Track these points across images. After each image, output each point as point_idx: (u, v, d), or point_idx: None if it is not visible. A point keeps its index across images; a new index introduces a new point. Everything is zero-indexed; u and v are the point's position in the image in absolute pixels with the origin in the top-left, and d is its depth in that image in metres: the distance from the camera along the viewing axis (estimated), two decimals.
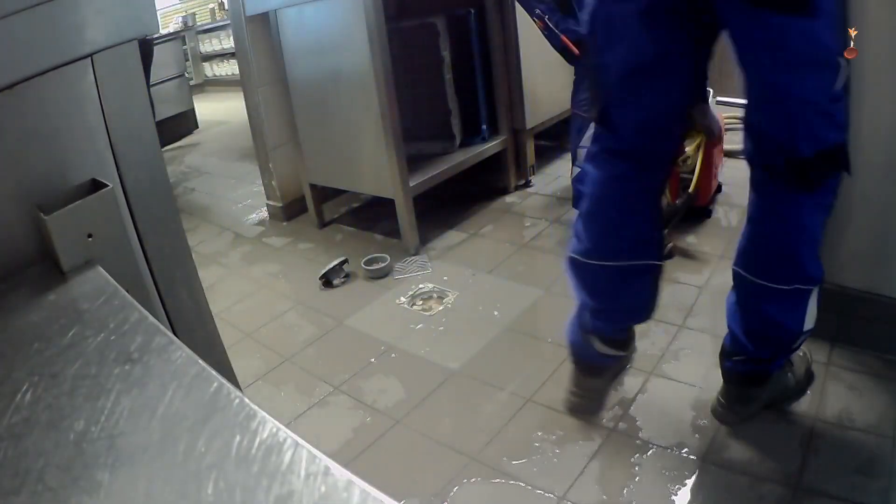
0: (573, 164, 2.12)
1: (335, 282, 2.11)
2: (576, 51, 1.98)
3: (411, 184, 2.18)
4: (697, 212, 2.16)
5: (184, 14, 6.59)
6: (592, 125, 1.91)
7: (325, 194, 2.62)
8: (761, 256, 1.23)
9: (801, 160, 1.08)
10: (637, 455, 1.31)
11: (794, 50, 1.00)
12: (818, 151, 1.08)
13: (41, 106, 0.67)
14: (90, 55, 0.67)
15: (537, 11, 2.00)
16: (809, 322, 1.23)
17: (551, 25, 2.00)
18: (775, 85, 1.05)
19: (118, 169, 0.74)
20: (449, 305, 1.91)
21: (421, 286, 2.01)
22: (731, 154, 2.54)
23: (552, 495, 1.24)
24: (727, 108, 2.84)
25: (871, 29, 1.23)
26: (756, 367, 1.30)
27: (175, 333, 0.76)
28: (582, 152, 2.04)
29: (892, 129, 1.29)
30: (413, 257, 2.19)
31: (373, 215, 2.56)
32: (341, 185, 2.50)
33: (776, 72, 1.03)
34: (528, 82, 2.50)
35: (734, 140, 2.65)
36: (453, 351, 1.70)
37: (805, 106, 1.05)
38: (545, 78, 2.58)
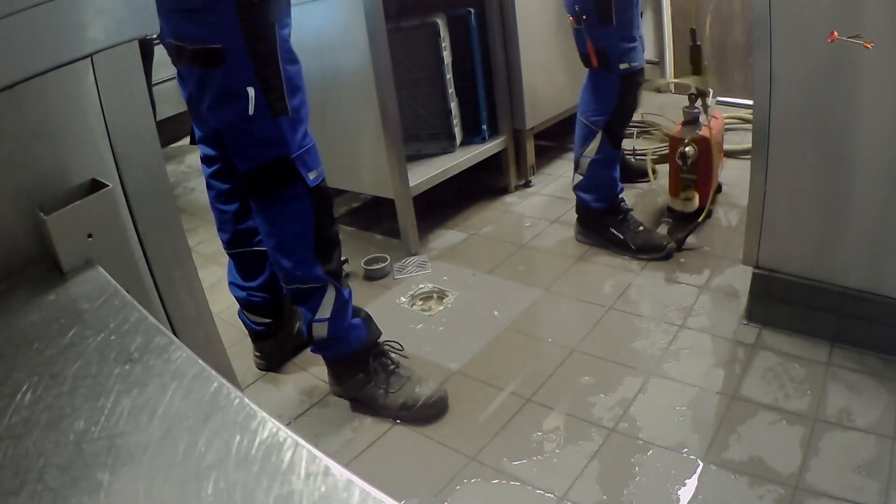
0: (575, 171, 2.08)
1: None
2: (595, 62, 1.89)
3: (411, 184, 2.18)
4: (697, 212, 2.16)
5: None
6: (599, 135, 1.93)
7: None
8: None
9: None
10: (637, 455, 1.31)
11: None
12: None
13: (41, 106, 0.67)
14: (90, 55, 0.67)
15: (577, 8, 1.85)
16: None
17: (583, 27, 1.86)
18: None
19: (118, 169, 0.74)
20: (449, 305, 1.91)
21: (421, 286, 2.01)
22: (731, 154, 2.54)
23: (552, 495, 1.24)
24: (727, 108, 2.84)
25: (872, 29, 1.23)
26: None
27: (175, 333, 0.76)
28: (586, 161, 2.01)
29: (892, 129, 1.29)
30: (413, 257, 2.19)
31: (373, 215, 2.56)
32: (341, 185, 2.50)
33: None
34: (528, 82, 2.50)
35: (734, 140, 2.65)
36: (453, 351, 1.70)
37: None
38: (545, 78, 2.58)
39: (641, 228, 2.04)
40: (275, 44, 1.22)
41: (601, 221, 2.07)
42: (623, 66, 1.86)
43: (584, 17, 1.84)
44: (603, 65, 1.88)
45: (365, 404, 1.52)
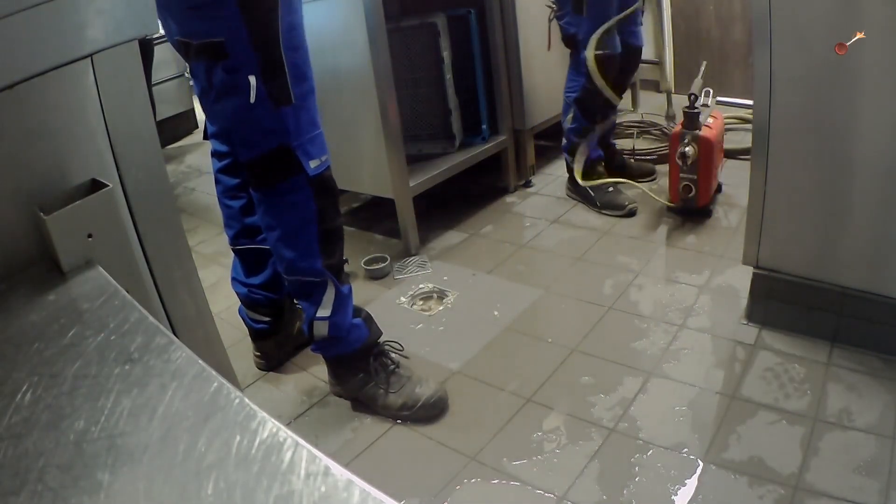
0: (563, 137, 2.40)
1: None
2: (548, 45, 2.39)
3: (411, 184, 2.18)
4: (697, 212, 2.16)
5: None
6: (573, 108, 2.29)
7: None
8: None
9: None
10: (637, 455, 1.31)
11: None
12: None
13: (41, 106, 0.67)
14: (90, 55, 0.67)
15: None
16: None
17: (552, 12, 2.29)
18: None
19: (118, 169, 0.74)
20: (449, 305, 1.91)
21: (421, 286, 2.01)
22: (731, 154, 2.54)
23: (552, 495, 1.24)
24: (727, 108, 2.84)
25: (872, 29, 1.23)
26: None
27: (175, 333, 0.76)
28: (566, 128, 2.35)
29: (892, 128, 1.29)
30: (413, 257, 2.19)
31: (373, 215, 2.56)
32: (341, 185, 2.47)
33: None
34: (528, 82, 2.50)
35: (734, 140, 2.65)
36: (453, 351, 1.70)
37: None
38: (545, 78, 2.58)
39: (610, 189, 2.32)
40: (277, 32, 1.22)
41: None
42: (588, 52, 2.16)
43: (560, 6, 2.20)
44: (573, 49, 2.23)
45: (365, 404, 1.52)
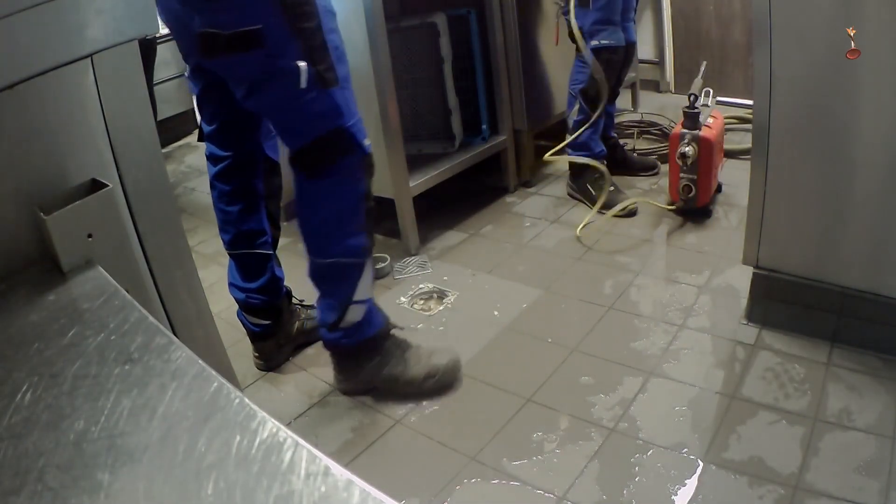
0: (567, 133, 2.37)
1: None
2: (556, 40, 2.40)
3: (411, 184, 2.18)
4: (697, 212, 2.16)
5: None
6: (578, 99, 2.29)
7: None
8: None
9: None
10: (637, 455, 1.31)
11: None
12: None
13: (41, 106, 0.67)
14: (90, 55, 0.67)
15: None
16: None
17: (560, 8, 2.31)
18: None
19: (118, 169, 0.74)
20: (449, 305, 1.91)
21: (421, 286, 2.01)
22: (731, 154, 2.54)
23: (552, 495, 1.24)
24: (727, 108, 2.84)
25: (872, 29, 1.23)
26: None
27: (175, 333, 0.76)
28: (571, 122, 2.33)
29: (892, 129, 1.29)
30: (413, 257, 2.19)
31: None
32: None
33: None
34: (528, 82, 2.50)
35: (734, 140, 2.65)
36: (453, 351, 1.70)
37: None
38: (545, 78, 2.58)
39: (612, 189, 2.29)
40: (317, 15, 1.21)
41: (582, 176, 2.38)
42: (594, 42, 2.18)
43: (566, 1, 2.21)
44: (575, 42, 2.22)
45: (382, 390, 1.52)
